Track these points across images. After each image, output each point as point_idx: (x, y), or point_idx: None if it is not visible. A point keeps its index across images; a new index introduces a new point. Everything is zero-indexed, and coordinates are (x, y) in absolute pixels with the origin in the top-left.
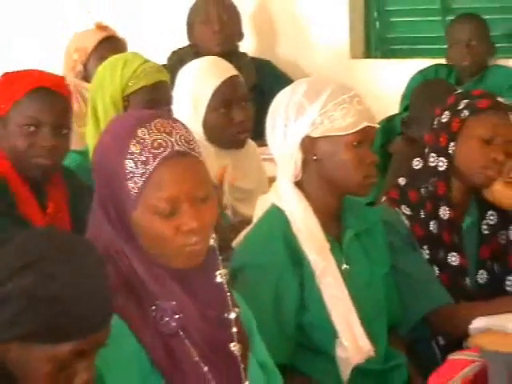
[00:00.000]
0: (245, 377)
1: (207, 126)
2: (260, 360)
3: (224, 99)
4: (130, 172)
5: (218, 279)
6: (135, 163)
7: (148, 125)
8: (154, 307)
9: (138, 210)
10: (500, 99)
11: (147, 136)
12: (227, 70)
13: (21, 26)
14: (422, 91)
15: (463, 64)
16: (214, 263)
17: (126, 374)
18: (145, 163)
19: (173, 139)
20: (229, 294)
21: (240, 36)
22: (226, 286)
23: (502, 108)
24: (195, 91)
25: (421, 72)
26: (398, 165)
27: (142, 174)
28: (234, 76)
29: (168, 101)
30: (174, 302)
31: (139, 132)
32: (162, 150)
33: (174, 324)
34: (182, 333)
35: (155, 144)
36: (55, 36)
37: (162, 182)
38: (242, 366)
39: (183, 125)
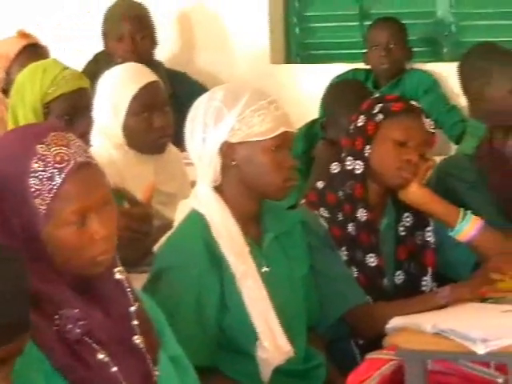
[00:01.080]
0: (153, 370)
1: (127, 131)
2: (171, 355)
3: (143, 104)
4: (36, 190)
5: (117, 276)
6: (40, 180)
7: (45, 140)
8: (57, 316)
9: (49, 226)
10: (413, 103)
11: (48, 152)
12: (147, 75)
13: None
14: (333, 93)
15: (382, 67)
16: (112, 262)
17: None
18: (50, 179)
19: (72, 151)
20: (129, 289)
21: (154, 45)
22: (125, 281)
23: (416, 111)
24: (115, 97)
25: (338, 77)
26: (320, 169)
27: (50, 190)
28: (154, 81)
29: (88, 107)
30: (77, 310)
31: (38, 149)
32: (65, 163)
33: (78, 331)
34: (87, 338)
35: (58, 158)
36: None
37: (70, 195)
38: (149, 358)
39: (73, 135)
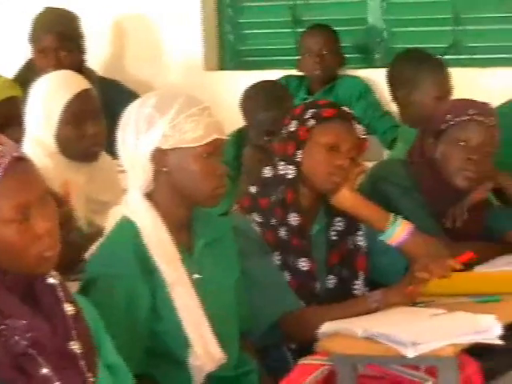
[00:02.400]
0: (88, 377)
1: (60, 139)
2: (108, 362)
3: (76, 112)
4: None
5: (51, 281)
6: None
7: None
8: (3, 326)
9: None
10: (345, 108)
11: None
12: (79, 83)
13: None
14: (249, 97)
15: (315, 74)
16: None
17: None
18: None
19: (7, 148)
20: (64, 294)
21: (83, 53)
22: (59, 286)
23: (347, 117)
24: (47, 105)
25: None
26: (247, 174)
27: None
28: (86, 89)
29: (20, 116)
30: (25, 321)
31: None
32: (1, 159)
33: (24, 343)
34: (32, 350)
35: None
36: None
37: (10, 191)
38: (85, 364)
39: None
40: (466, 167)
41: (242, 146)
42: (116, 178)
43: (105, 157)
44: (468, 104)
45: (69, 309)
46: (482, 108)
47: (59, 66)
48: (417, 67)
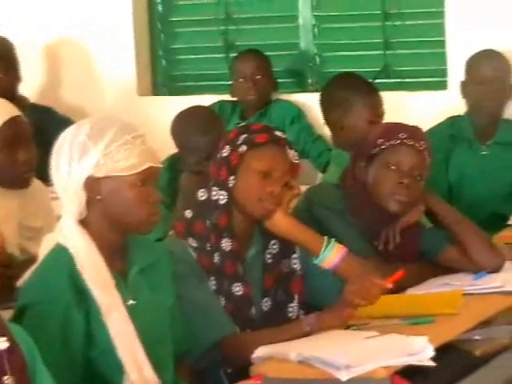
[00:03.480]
0: None
1: None
2: None
3: (7, 139)
4: None
5: None
6: None
7: None
8: None
9: None
10: (278, 133)
11: None
12: (9, 110)
13: None
14: (179, 123)
15: (248, 98)
16: None
17: None
18: None
19: None
20: None
21: (17, 80)
22: None
23: (279, 142)
24: None
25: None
26: (184, 199)
27: None
28: (16, 116)
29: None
30: None
31: None
32: None
33: None
34: None
35: None
36: None
37: None
38: None
39: None
40: (397, 191)
41: (175, 172)
42: (48, 204)
43: (36, 183)
44: (399, 128)
45: (3, 342)
46: (412, 132)
47: None
48: (349, 91)
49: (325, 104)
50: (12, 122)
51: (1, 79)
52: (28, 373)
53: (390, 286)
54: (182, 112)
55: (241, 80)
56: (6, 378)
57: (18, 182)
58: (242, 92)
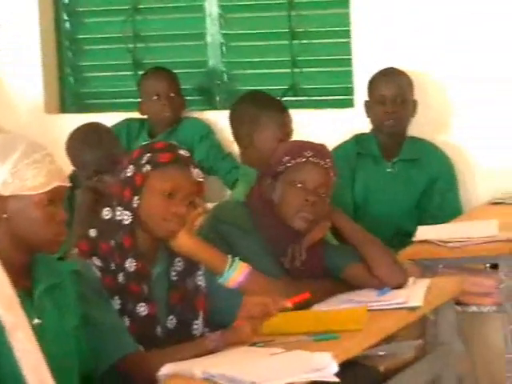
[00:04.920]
0: None
1: None
2: None
3: None
4: None
5: None
6: None
7: None
8: None
9: None
10: (181, 152)
11: None
12: None
13: None
14: (71, 138)
15: (164, 115)
16: None
17: None
18: None
19: None
20: None
21: None
22: None
23: (183, 161)
24: None
25: (113, 126)
26: (80, 215)
27: None
28: None
29: None
30: None
31: None
32: None
33: None
34: None
35: None
36: None
37: None
38: None
39: None
40: (302, 209)
41: (72, 189)
42: None
43: None
44: (305, 146)
45: None
46: (318, 150)
47: None
48: (259, 108)
49: (234, 121)
50: None
51: None
52: None
53: (288, 305)
54: (75, 129)
55: (154, 98)
56: None
57: None
58: (156, 110)
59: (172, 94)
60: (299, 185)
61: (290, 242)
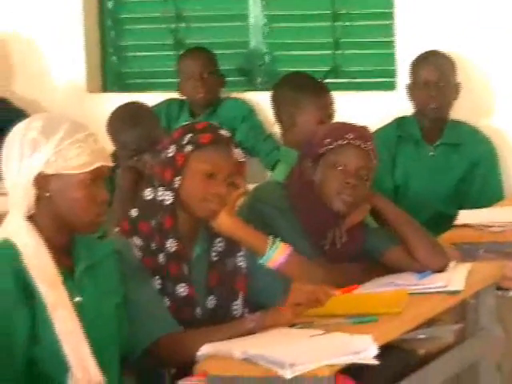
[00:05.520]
0: None
1: None
2: None
3: None
4: None
5: None
6: None
7: None
8: None
9: None
10: (222, 132)
11: None
12: None
13: None
14: (109, 120)
15: (197, 97)
16: None
17: None
18: None
19: None
20: None
21: None
22: None
23: (224, 141)
24: None
25: (154, 106)
26: (120, 196)
27: None
28: None
29: None
30: None
31: None
32: None
33: None
34: None
35: None
36: None
37: None
38: None
39: None
40: (343, 191)
41: (113, 168)
42: None
43: None
44: (346, 128)
45: None
46: (359, 132)
47: None
48: (301, 90)
49: (275, 102)
50: None
51: None
52: None
53: (337, 294)
54: (115, 108)
55: (189, 79)
56: None
57: None
58: (190, 91)
59: (206, 75)
60: (340, 167)
61: (328, 224)
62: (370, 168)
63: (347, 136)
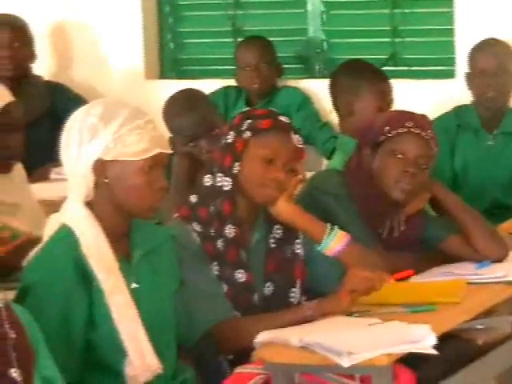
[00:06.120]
0: None
1: None
2: (43, 374)
3: (2, 124)
4: None
5: None
6: None
7: None
8: None
9: None
10: (281, 118)
11: None
12: (5, 96)
13: None
14: (165, 106)
15: (252, 87)
16: None
17: None
18: None
19: None
20: (7, 318)
21: (32, 58)
22: (3, 310)
23: (284, 127)
24: None
25: (211, 94)
26: (176, 181)
27: None
28: (13, 102)
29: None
30: None
31: None
32: None
33: None
34: None
35: None
36: None
37: None
38: None
39: None
40: (402, 179)
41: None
42: (23, 183)
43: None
44: (406, 116)
45: (11, 335)
46: (419, 121)
47: (13, 58)
48: (359, 78)
49: (334, 89)
50: (8, 107)
51: (16, 50)
52: (34, 364)
53: (392, 281)
54: (172, 95)
55: (245, 68)
56: (13, 370)
57: (3, 167)
58: (245, 81)
59: (262, 65)
60: (399, 155)
61: (386, 212)
62: (430, 156)
63: (407, 124)
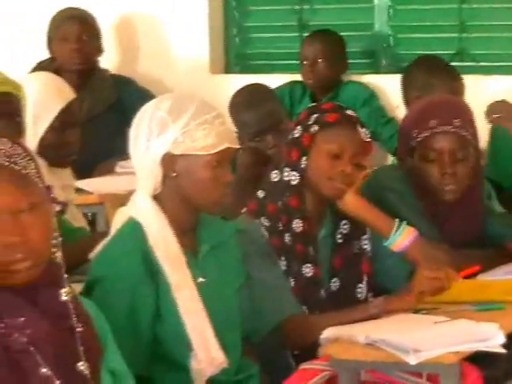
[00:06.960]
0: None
1: (43, 143)
2: (111, 368)
3: (64, 121)
4: None
5: (63, 297)
6: None
7: None
8: (2, 325)
9: None
10: (348, 112)
11: None
12: (68, 93)
13: None
14: (231, 100)
15: (308, 82)
16: (59, 280)
17: None
18: None
19: None
20: (75, 311)
21: (100, 52)
22: (71, 303)
23: (351, 121)
24: (37, 110)
25: (277, 89)
26: (240, 175)
27: None
28: (75, 99)
29: (14, 113)
30: (23, 318)
31: None
32: None
33: (24, 339)
34: (32, 348)
35: None
36: None
37: None
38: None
39: (11, 141)
40: (444, 182)
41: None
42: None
43: None
44: (428, 114)
45: (79, 328)
46: (442, 115)
47: (81, 51)
48: (431, 73)
49: (405, 85)
50: (70, 105)
51: (84, 42)
52: (102, 356)
53: (460, 279)
54: (237, 90)
55: (305, 63)
56: (80, 363)
57: (62, 162)
58: (303, 76)
59: (320, 60)
60: (433, 159)
61: (447, 207)
62: (465, 145)
63: (430, 125)
